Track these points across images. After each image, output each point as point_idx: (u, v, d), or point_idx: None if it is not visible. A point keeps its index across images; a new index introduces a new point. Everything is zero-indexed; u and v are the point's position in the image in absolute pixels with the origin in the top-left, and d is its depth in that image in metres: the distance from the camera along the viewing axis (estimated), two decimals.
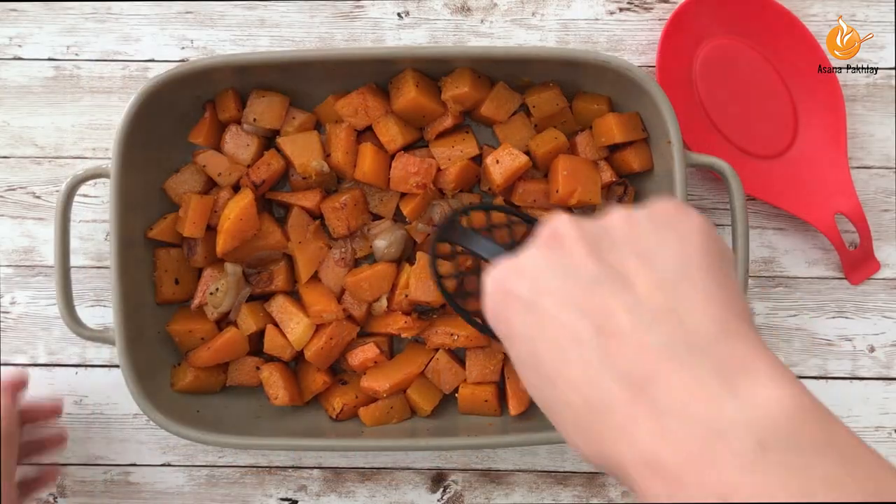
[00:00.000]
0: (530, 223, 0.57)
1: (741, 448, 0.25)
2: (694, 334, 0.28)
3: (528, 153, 0.61)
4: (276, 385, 0.61)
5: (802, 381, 0.65)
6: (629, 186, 0.61)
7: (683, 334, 0.28)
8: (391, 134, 0.60)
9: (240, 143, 0.61)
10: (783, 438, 0.25)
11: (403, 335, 0.62)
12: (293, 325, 0.61)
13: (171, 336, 0.62)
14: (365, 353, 0.61)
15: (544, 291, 0.31)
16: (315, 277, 0.62)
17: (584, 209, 0.60)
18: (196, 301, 0.61)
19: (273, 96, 0.61)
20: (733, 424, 0.26)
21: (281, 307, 0.61)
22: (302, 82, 0.61)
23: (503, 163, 0.59)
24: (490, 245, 0.45)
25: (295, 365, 0.64)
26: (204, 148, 0.61)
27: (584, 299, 0.29)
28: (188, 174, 0.62)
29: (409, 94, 0.58)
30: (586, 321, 0.29)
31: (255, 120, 0.60)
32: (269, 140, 0.62)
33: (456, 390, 0.62)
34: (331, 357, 0.61)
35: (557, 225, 0.32)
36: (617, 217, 0.32)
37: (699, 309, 0.28)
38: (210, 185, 0.62)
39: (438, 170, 0.61)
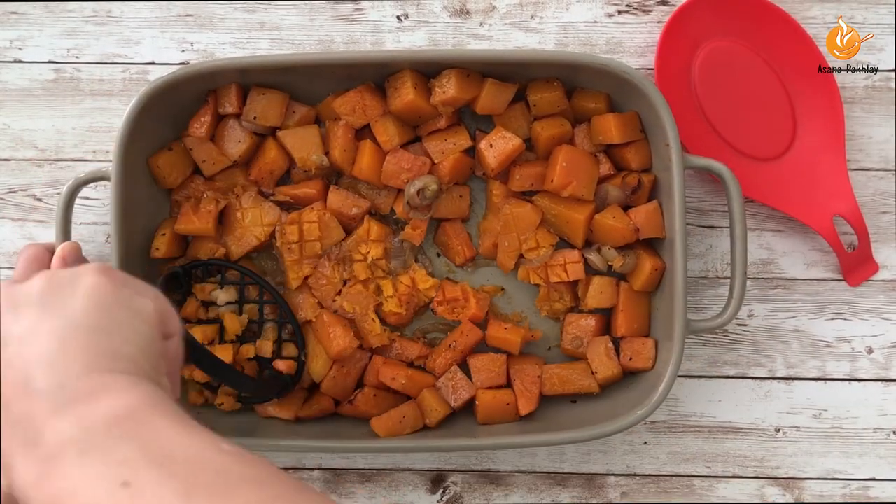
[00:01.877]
0: (262, 285, 0.62)
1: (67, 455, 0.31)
2: (66, 377, 0.34)
3: (528, 139, 0.61)
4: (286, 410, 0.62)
5: (801, 382, 0.66)
6: (643, 179, 0.60)
7: (60, 379, 0.34)
8: (389, 134, 0.60)
9: (232, 138, 0.61)
10: (98, 442, 0.32)
11: (417, 363, 0.63)
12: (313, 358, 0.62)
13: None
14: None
15: None
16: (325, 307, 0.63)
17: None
18: None
19: (273, 94, 0.60)
20: (64, 441, 0.31)
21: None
22: (302, 84, 0.61)
23: (497, 146, 0.60)
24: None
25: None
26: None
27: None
28: (177, 154, 0.61)
29: (406, 97, 0.58)
30: None
31: (255, 118, 0.60)
32: (262, 137, 0.62)
33: (466, 404, 0.62)
34: (346, 387, 0.62)
35: None
36: (36, 280, 0.38)
37: (74, 356, 0.35)
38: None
39: (433, 164, 0.61)
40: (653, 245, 0.62)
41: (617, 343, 0.62)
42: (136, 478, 0.30)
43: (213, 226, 0.61)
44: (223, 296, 0.61)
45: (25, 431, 0.33)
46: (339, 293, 0.62)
